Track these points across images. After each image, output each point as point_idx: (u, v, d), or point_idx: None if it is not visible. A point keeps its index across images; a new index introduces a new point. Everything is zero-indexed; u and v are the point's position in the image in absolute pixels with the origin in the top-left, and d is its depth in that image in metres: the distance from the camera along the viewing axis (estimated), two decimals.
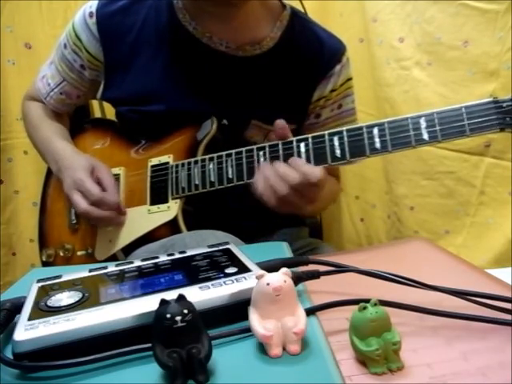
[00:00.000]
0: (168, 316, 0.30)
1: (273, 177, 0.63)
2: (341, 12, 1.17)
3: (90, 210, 0.73)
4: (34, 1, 1.12)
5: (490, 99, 0.58)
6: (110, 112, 0.95)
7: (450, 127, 0.59)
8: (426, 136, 0.60)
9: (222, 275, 0.40)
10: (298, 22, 0.83)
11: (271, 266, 0.41)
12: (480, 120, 0.58)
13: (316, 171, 0.61)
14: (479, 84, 0.95)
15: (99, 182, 0.75)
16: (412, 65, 1.04)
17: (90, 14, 0.79)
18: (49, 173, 0.90)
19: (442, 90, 1.00)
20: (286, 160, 0.65)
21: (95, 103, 1.05)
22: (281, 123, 0.67)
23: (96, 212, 0.73)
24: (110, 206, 0.74)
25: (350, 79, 0.87)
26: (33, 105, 0.93)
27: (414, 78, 1.04)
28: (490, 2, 0.93)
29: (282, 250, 0.55)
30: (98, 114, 1.07)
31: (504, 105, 0.57)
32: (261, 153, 0.68)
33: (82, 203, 0.73)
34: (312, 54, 0.82)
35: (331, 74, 0.83)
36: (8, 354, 0.33)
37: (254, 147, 0.68)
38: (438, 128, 0.59)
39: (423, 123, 0.60)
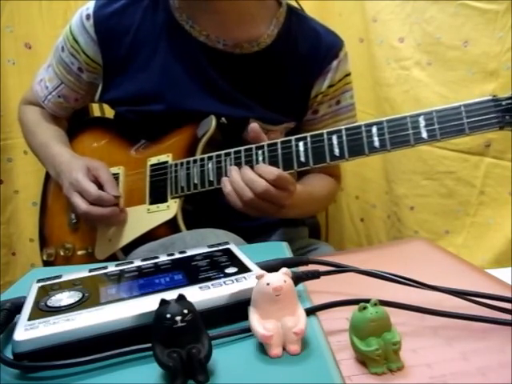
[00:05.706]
0: (168, 316, 0.30)
1: (239, 182, 0.64)
2: (341, 12, 1.17)
3: (90, 209, 0.73)
4: (34, 1, 1.12)
5: (490, 97, 0.57)
6: (110, 111, 0.95)
7: (449, 126, 0.58)
8: (425, 135, 0.59)
9: (222, 275, 0.40)
10: (295, 19, 0.83)
11: (271, 266, 0.41)
12: (479, 118, 0.57)
13: (273, 170, 0.62)
14: (479, 84, 0.95)
15: (97, 181, 0.75)
16: (412, 65, 1.04)
17: (87, 17, 0.79)
18: (48, 173, 0.90)
19: (441, 90, 1.00)
20: (285, 159, 0.65)
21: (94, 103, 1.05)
22: (255, 127, 0.67)
23: (97, 211, 0.73)
24: (110, 202, 0.74)
25: (348, 75, 0.87)
26: (29, 109, 0.92)
27: (414, 77, 1.04)
28: (489, 2, 0.92)
29: (281, 249, 0.55)
30: (97, 113, 1.07)
31: (503, 103, 0.56)
32: (259, 152, 0.67)
33: (81, 204, 0.73)
34: (309, 50, 0.82)
35: (328, 69, 0.83)
36: (8, 354, 0.33)
37: (253, 146, 0.68)
38: (436, 127, 0.59)
39: (422, 122, 0.59)
